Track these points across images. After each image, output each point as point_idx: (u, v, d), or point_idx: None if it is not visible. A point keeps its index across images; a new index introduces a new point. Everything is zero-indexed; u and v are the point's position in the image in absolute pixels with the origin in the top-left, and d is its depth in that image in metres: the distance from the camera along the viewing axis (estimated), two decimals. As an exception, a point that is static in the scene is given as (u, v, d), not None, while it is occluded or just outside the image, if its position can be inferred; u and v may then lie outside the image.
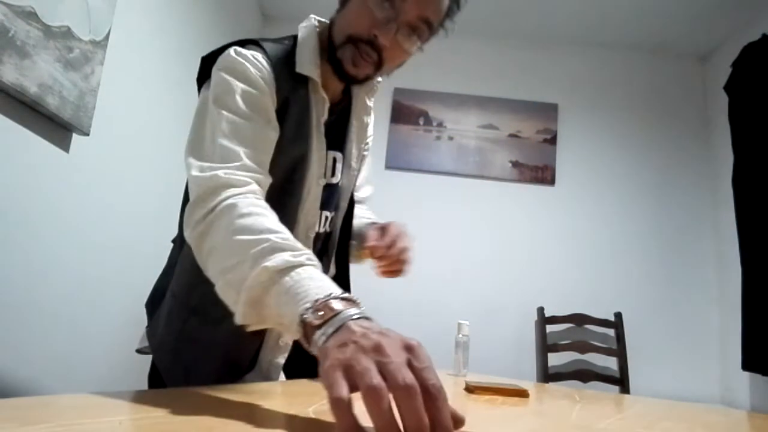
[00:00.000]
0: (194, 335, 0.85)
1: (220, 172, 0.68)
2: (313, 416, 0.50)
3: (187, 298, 0.86)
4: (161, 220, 1.82)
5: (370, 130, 1.08)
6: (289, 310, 0.53)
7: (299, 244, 0.62)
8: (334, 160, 0.93)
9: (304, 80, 0.84)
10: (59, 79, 1.31)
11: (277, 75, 0.80)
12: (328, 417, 0.51)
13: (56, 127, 1.38)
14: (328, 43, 0.85)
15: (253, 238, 0.60)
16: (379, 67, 0.82)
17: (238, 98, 0.75)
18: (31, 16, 1.20)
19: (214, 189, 0.67)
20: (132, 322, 1.76)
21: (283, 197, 0.83)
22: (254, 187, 0.70)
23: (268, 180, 0.75)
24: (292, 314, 0.52)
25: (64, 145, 1.45)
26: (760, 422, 0.91)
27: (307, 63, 0.84)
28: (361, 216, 1.10)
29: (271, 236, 0.60)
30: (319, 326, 0.48)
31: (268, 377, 0.89)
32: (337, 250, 1.01)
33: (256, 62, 0.78)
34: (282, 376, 0.94)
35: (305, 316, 0.50)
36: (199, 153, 0.73)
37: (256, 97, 0.77)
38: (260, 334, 0.85)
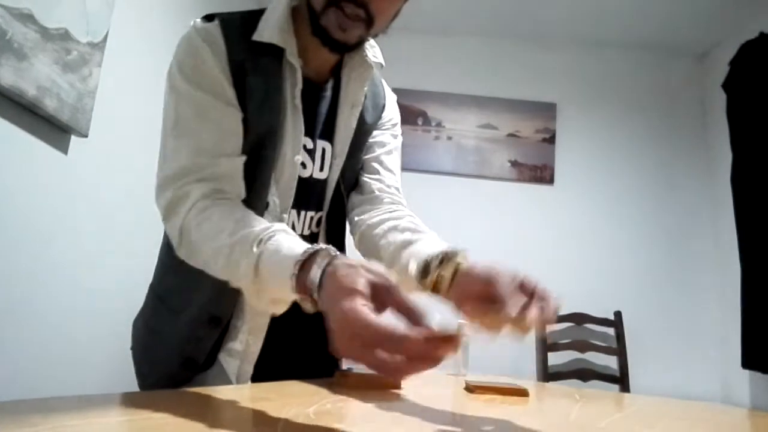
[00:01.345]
0: (159, 326, 0.84)
1: (173, 190, 0.69)
2: (313, 417, 0.50)
3: (158, 286, 0.87)
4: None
5: (393, 115, 0.97)
6: (286, 294, 0.57)
7: (249, 229, 0.62)
8: (323, 151, 0.84)
9: (271, 50, 0.76)
10: (57, 81, 1.31)
11: (230, 44, 0.74)
12: (328, 417, 0.51)
13: (54, 129, 1.38)
14: (309, 14, 0.75)
15: (213, 247, 0.63)
16: (369, 24, 0.72)
17: (192, 83, 0.73)
18: (28, 18, 1.20)
19: (172, 210, 0.70)
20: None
21: (249, 180, 0.76)
22: (203, 190, 0.69)
23: (227, 162, 0.72)
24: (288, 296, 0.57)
25: (63, 147, 1.45)
26: (761, 420, 0.91)
27: (270, 29, 0.76)
28: (418, 229, 0.82)
29: (226, 239, 0.62)
30: (309, 301, 0.53)
31: (225, 380, 0.81)
32: None
33: (205, 38, 0.74)
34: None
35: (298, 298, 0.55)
36: (162, 146, 0.74)
37: (213, 76, 0.73)
38: (216, 332, 0.80)
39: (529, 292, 0.61)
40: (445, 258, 0.70)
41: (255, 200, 0.76)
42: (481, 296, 0.62)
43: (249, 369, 0.83)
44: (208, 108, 0.72)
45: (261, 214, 0.76)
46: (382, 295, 0.48)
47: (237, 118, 0.74)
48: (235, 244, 0.61)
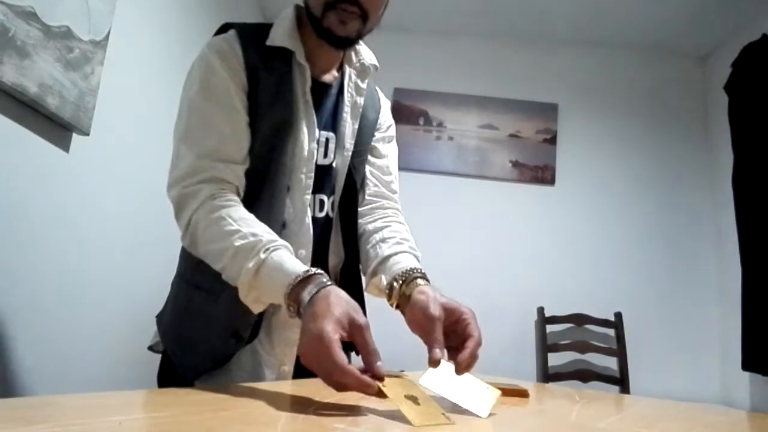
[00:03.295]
0: (198, 310, 0.89)
1: (180, 188, 0.80)
2: (313, 416, 0.50)
3: (192, 276, 0.92)
4: (162, 220, 1.82)
5: (387, 118, 1.08)
6: (273, 299, 0.69)
7: (258, 237, 0.71)
8: (327, 140, 0.94)
9: (282, 53, 0.88)
10: (59, 79, 1.31)
11: (245, 49, 0.86)
12: (328, 417, 0.51)
13: (56, 127, 1.38)
14: (311, 20, 0.88)
15: (221, 246, 0.74)
16: (365, 18, 0.85)
17: (202, 94, 0.84)
18: (31, 16, 1.20)
19: (183, 205, 0.80)
20: (133, 321, 1.75)
21: (268, 167, 0.86)
22: (210, 190, 0.79)
23: (225, 168, 0.81)
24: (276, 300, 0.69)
25: (64, 145, 1.45)
26: (760, 422, 0.91)
27: (281, 36, 0.88)
28: (400, 244, 0.93)
29: (234, 241, 0.72)
30: (294, 311, 0.66)
31: (272, 349, 0.89)
32: (346, 236, 0.98)
33: (224, 46, 0.86)
34: (293, 354, 0.91)
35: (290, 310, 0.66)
36: (174, 152, 0.85)
37: (221, 86, 0.83)
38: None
39: (460, 335, 0.71)
40: (404, 282, 0.81)
41: (277, 184, 0.87)
42: (422, 326, 0.73)
43: (295, 336, 0.87)
44: (213, 117, 0.83)
45: (283, 197, 0.87)
46: (352, 331, 0.59)
47: (242, 124, 0.85)
48: (242, 247, 0.71)
